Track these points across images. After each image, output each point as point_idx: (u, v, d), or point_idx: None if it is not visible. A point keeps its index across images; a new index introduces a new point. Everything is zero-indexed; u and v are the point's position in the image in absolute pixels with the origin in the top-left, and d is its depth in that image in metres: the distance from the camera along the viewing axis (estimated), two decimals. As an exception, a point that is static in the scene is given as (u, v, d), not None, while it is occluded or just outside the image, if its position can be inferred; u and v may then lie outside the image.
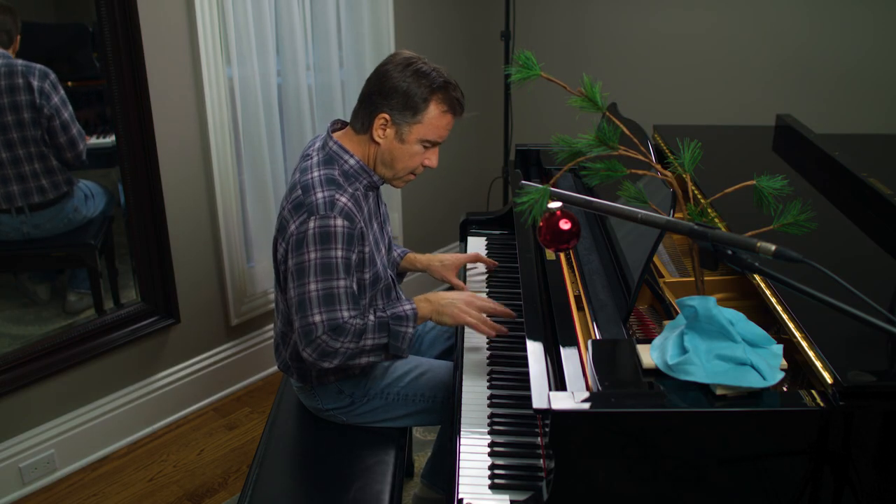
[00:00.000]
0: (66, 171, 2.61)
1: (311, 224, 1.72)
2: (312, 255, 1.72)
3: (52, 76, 2.46)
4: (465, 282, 2.22)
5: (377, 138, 1.82)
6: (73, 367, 2.58)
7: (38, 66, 2.44)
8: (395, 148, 1.82)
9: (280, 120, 2.97)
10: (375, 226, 1.92)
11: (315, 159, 1.84)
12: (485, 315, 1.84)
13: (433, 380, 1.98)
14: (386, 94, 1.78)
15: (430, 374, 1.99)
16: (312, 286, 1.72)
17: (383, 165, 1.85)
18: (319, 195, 1.75)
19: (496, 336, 1.84)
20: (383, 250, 1.97)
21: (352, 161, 1.84)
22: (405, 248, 2.30)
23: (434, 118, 1.79)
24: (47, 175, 2.57)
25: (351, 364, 1.81)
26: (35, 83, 2.44)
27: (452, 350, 2.10)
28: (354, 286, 1.79)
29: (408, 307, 1.82)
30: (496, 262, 2.24)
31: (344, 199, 1.75)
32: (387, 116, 1.80)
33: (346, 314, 1.74)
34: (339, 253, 1.73)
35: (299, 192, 1.78)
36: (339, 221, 1.72)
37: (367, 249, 1.82)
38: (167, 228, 2.69)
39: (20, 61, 2.42)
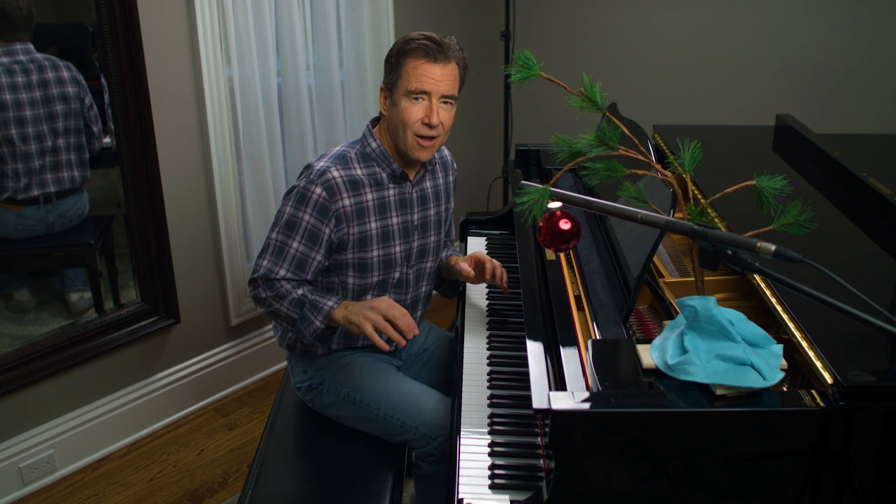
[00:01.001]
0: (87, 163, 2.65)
1: (300, 183, 1.83)
2: (286, 209, 1.83)
3: None
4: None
5: (383, 111, 1.88)
6: (73, 367, 2.58)
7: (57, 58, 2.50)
8: (392, 114, 1.84)
9: (280, 120, 2.97)
10: (395, 219, 1.90)
11: (351, 139, 1.96)
12: (387, 323, 1.72)
13: (408, 404, 1.89)
14: (384, 70, 1.87)
15: (413, 399, 1.89)
16: (274, 234, 1.84)
17: (393, 137, 1.86)
18: (321, 164, 1.85)
19: (388, 350, 1.76)
20: (398, 247, 1.92)
21: (374, 144, 1.89)
22: (454, 250, 2.21)
23: (410, 68, 1.79)
24: (80, 166, 2.62)
25: (274, 319, 1.89)
26: (77, 76, 2.51)
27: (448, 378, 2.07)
28: (318, 256, 1.83)
29: (330, 303, 1.79)
30: (507, 289, 2.05)
31: (336, 174, 1.82)
32: (382, 86, 1.87)
33: (282, 272, 1.83)
34: (307, 217, 1.81)
35: (317, 156, 1.89)
36: (318, 190, 1.80)
37: (353, 231, 1.83)
38: (167, 228, 2.69)
39: (52, 56, 2.47)
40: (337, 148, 1.92)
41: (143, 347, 2.78)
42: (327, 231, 1.82)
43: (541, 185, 1.41)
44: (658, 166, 1.53)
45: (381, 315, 1.73)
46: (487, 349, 1.90)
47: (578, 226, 1.39)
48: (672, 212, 1.54)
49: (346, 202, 1.82)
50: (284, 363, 3.15)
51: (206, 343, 2.98)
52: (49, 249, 2.69)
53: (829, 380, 1.26)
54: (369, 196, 1.86)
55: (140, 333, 2.72)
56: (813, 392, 1.27)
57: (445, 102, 1.82)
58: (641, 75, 3.38)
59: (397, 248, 1.92)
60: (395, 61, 1.82)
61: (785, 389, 1.36)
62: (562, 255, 1.91)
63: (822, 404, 1.25)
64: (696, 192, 1.84)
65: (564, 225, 1.38)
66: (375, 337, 1.72)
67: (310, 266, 1.84)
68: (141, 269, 2.72)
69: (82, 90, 2.54)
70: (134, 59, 2.47)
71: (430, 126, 1.80)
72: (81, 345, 2.59)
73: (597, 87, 1.48)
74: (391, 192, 1.90)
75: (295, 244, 1.82)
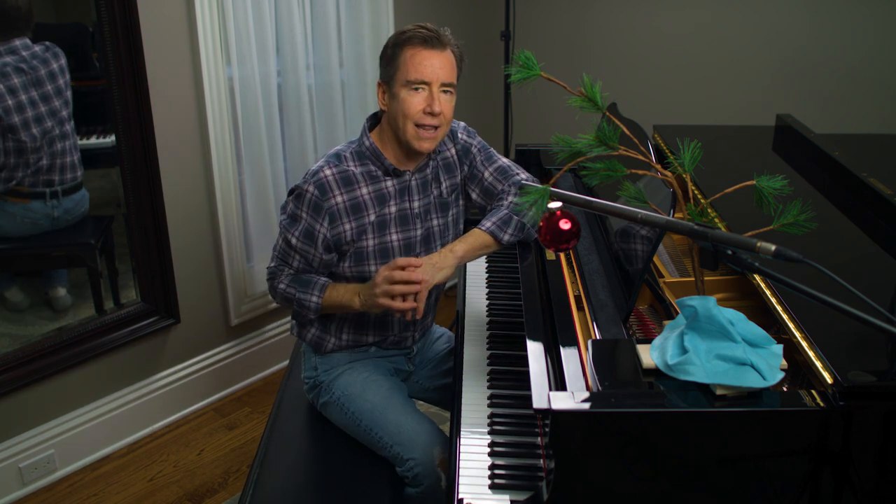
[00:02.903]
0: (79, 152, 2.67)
1: (299, 182, 1.86)
2: (290, 207, 1.87)
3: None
4: (465, 279, 2.22)
5: (382, 107, 1.87)
6: (73, 366, 2.58)
7: (45, 42, 2.47)
8: (392, 107, 1.82)
9: (280, 120, 2.97)
10: (393, 208, 1.88)
11: (351, 138, 1.97)
12: (398, 286, 1.74)
13: (387, 421, 1.87)
14: (380, 66, 1.87)
15: (393, 416, 1.88)
16: (282, 229, 1.88)
17: (394, 130, 1.84)
18: (318, 163, 1.87)
19: (410, 309, 1.75)
20: (394, 236, 1.89)
21: (367, 143, 1.87)
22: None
23: (408, 57, 1.78)
24: (75, 150, 2.61)
25: (287, 304, 1.92)
26: (65, 63, 2.49)
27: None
28: (317, 253, 1.84)
29: (314, 299, 1.84)
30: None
31: (328, 172, 1.82)
32: (379, 82, 1.86)
33: (295, 263, 1.88)
34: (305, 216, 1.82)
35: (317, 156, 1.93)
36: (311, 189, 1.81)
37: (351, 226, 1.83)
38: (167, 228, 2.69)
39: (47, 43, 2.44)
40: (337, 146, 1.92)
41: (143, 347, 2.78)
42: (321, 230, 1.82)
43: (541, 185, 1.41)
44: (658, 166, 1.53)
45: (387, 284, 1.74)
46: (487, 349, 1.90)
47: (578, 226, 1.39)
48: (672, 212, 1.54)
49: (339, 199, 1.82)
50: (284, 363, 3.16)
51: (206, 343, 2.98)
52: (50, 249, 2.69)
53: (829, 380, 1.26)
54: (364, 190, 1.85)
55: (140, 333, 2.72)
56: (813, 392, 1.27)
57: (445, 91, 1.80)
58: (641, 75, 3.38)
59: (394, 237, 1.90)
60: (392, 53, 1.81)
61: (785, 389, 1.36)
62: (562, 255, 1.91)
63: (822, 404, 1.25)
64: (696, 192, 1.84)
65: (564, 225, 1.38)
66: (399, 305, 1.75)
67: (312, 261, 1.86)
68: (141, 269, 2.72)
69: (68, 75, 2.51)
70: (134, 59, 2.47)
71: (432, 114, 1.78)
72: (81, 345, 2.59)
73: (597, 87, 1.48)
74: (388, 183, 1.88)
75: (294, 240, 1.84)
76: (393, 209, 1.89)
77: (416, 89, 1.78)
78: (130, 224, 2.66)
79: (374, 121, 1.93)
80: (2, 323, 2.61)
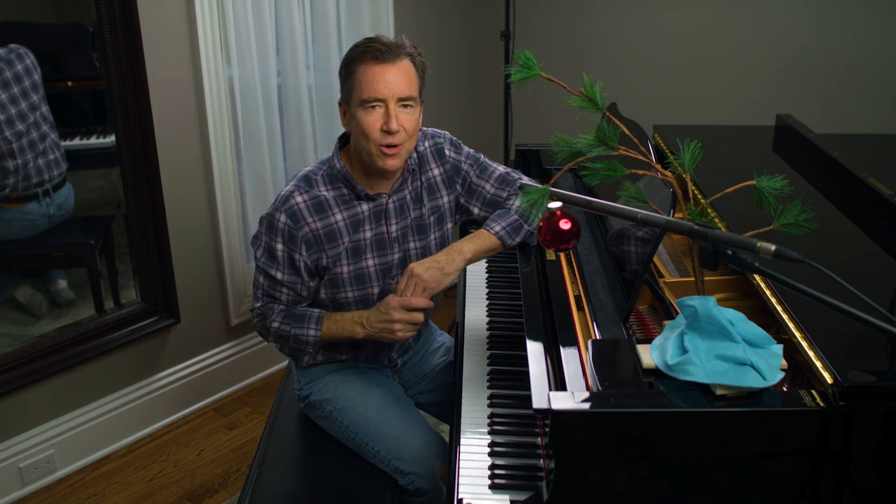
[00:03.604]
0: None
1: (268, 210, 1.79)
2: (263, 238, 1.80)
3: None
4: (465, 279, 2.21)
5: (345, 128, 1.81)
6: (73, 367, 2.58)
7: (10, 45, 2.46)
8: (352, 127, 1.75)
9: (280, 120, 2.97)
10: (368, 233, 1.81)
11: (322, 157, 1.88)
12: (405, 313, 1.74)
13: (384, 436, 1.85)
14: (340, 84, 1.82)
15: (391, 431, 1.85)
16: (261, 265, 1.81)
17: (357, 151, 1.77)
18: (287, 187, 1.80)
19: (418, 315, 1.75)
20: (370, 261, 1.83)
21: (338, 165, 1.80)
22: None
23: (360, 75, 1.70)
24: (56, 148, 2.61)
25: (281, 343, 1.87)
26: (35, 60, 2.48)
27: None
28: (303, 281, 1.79)
29: (312, 333, 1.79)
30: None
31: (299, 199, 1.76)
32: (340, 102, 1.81)
33: (283, 297, 1.83)
34: (280, 247, 1.76)
35: (317, 157, 1.83)
36: (283, 218, 1.75)
37: (328, 254, 1.78)
38: (167, 228, 2.69)
39: (11, 45, 2.43)
40: (307, 167, 1.84)
41: (143, 347, 2.78)
42: (301, 259, 1.76)
43: (541, 185, 1.41)
44: (658, 166, 1.53)
45: (397, 318, 1.73)
46: (487, 349, 1.90)
47: (578, 226, 1.39)
48: (672, 212, 1.54)
49: (313, 226, 1.75)
50: (285, 363, 3.16)
51: (206, 343, 2.98)
52: (49, 249, 2.69)
53: (829, 380, 1.26)
54: (339, 216, 1.78)
55: (140, 333, 2.72)
56: (813, 392, 1.27)
57: (405, 106, 1.71)
58: (641, 75, 3.38)
59: (370, 262, 1.83)
60: (346, 72, 1.73)
61: (785, 389, 1.36)
62: (562, 255, 1.91)
63: (822, 404, 1.25)
64: (696, 192, 1.84)
65: (564, 225, 1.38)
66: (405, 333, 1.75)
67: (301, 290, 1.81)
68: (141, 269, 2.72)
69: (38, 73, 2.49)
70: (134, 59, 2.47)
71: (389, 133, 1.69)
72: (81, 345, 2.59)
73: (597, 87, 1.48)
74: (364, 206, 1.81)
75: (279, 275, 1.79)
76: (368, 234, 1.82)
77: (373, 107, 1.70)
78: (130, 224, 2.66)
79: (346, 140, 1.84)
80: (2, 323, 2.61)
